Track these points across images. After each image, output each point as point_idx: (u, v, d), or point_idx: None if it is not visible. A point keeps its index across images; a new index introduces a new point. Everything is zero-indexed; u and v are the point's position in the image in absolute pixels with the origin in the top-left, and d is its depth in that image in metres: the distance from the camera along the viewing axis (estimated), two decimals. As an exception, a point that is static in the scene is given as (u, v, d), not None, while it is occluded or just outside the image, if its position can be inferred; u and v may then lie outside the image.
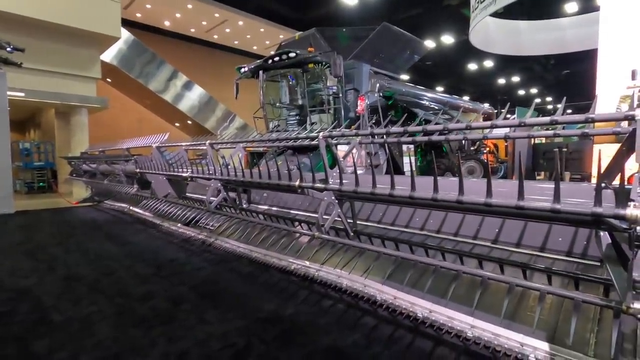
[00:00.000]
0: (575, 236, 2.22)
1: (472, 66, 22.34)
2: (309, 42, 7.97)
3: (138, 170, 5.12)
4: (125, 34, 12.54)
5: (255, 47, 20.75)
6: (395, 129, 2.24)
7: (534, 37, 13.33)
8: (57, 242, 4.51)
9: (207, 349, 1.95)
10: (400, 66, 9.46)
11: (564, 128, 1.69)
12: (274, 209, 4.17)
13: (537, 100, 27.57)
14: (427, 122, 2.36)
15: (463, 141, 8.25)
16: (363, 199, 2.51)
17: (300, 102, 7.67)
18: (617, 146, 1.45)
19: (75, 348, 1.98)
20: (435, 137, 2.18)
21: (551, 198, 1.49)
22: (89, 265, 3.49)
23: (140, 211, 5.83)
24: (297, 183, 2.68)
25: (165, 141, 4.98)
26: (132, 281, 3.01)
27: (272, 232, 3.49)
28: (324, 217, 2.61)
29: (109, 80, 14.00)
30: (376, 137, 2.58)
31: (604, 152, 1.38)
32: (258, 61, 7.29)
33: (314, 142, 2.80)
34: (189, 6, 15.82)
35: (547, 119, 1.59)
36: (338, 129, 2.68)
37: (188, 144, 4.52)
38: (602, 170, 1.38)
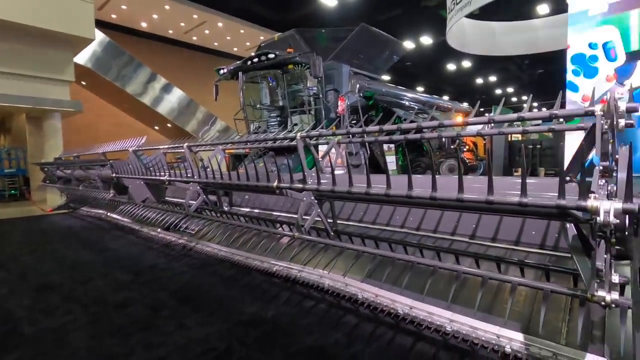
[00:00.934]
0: (548, 229, 2.30)
1: (451, 66, 22.79)
2: (289, 43, 7.97)
3: (114, 175, 4.99)
4: (100, 36, 12.18)
5: (235, 49, 20.58)
6: (371, 127, 2.26)
7: (508, 38, 13.69)
8: (30, 250, 4.34)
9: (187, 354, 1.91)
10: (380, 67, 9.55)
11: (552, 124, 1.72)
12: (256, 211, 4.14)
13: (514, 99, 28.39)
14: (404, 120, 2.39)
15: (443, 139, 8.38)
16: (341, 197, 2.52)
17: (280, 103, 7.65)
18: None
19: (48, 360, 1.92)
20: (411, 136, 2.21)
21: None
22: (64, 273, 3.37)
23: (118, 217, 5.68)
24: (275, 184, 2.67)
25: (143, 145, 4.86)
26: (109, 289, 2.92)
27: (253, 235, 3.47)
28: (304, 217, 2.61)
29: (83, 83, 13.59)
30: (355, 136, 2.59)
31: (569, 147, 1.44)
32: (237, 62, 7.22)
33: (293, 143, 2.80)
34: (166, 7, 15.55)
35: (514, 115, 1.65)
36: (316, 129, 2.69)
37: (166, 147, 4.42)
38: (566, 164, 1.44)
